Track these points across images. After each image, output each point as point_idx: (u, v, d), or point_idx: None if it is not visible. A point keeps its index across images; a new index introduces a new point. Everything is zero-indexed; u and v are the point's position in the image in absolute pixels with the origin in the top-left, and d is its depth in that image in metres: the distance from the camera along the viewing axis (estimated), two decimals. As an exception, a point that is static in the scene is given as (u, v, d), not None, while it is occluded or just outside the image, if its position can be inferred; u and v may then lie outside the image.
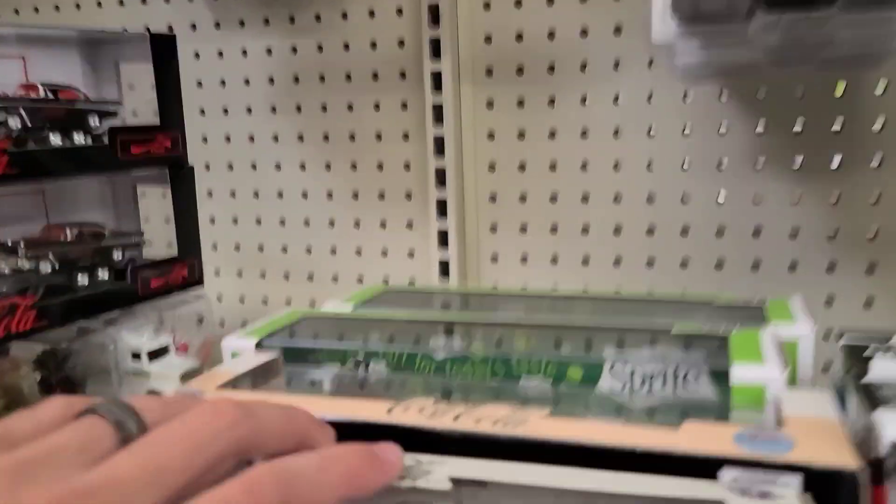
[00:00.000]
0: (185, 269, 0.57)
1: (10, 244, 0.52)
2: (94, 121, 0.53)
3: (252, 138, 0.87)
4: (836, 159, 0.65)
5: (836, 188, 0.65)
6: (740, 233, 0.69)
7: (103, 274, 0.53)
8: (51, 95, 0.51)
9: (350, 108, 0.81)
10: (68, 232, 0.52)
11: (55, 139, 0.50)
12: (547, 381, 0.49)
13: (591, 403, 0.48)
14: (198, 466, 0.22)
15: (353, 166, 0.83)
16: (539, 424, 0.34)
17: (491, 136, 0.76)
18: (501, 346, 0.52)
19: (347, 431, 0.36)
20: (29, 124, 0.49)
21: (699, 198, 0.70)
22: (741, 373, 0.42)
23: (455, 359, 0.50)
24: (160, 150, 0.55)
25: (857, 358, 0.42)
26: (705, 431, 0.33)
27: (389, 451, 0.28)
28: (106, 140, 0.51)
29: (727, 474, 0.30)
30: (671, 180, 0.70)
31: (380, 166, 0.81)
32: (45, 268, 0.51)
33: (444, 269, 0.78)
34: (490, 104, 0.75)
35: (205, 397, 0.37)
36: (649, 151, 0.70)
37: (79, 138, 0.52)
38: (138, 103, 0.79)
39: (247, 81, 0.86)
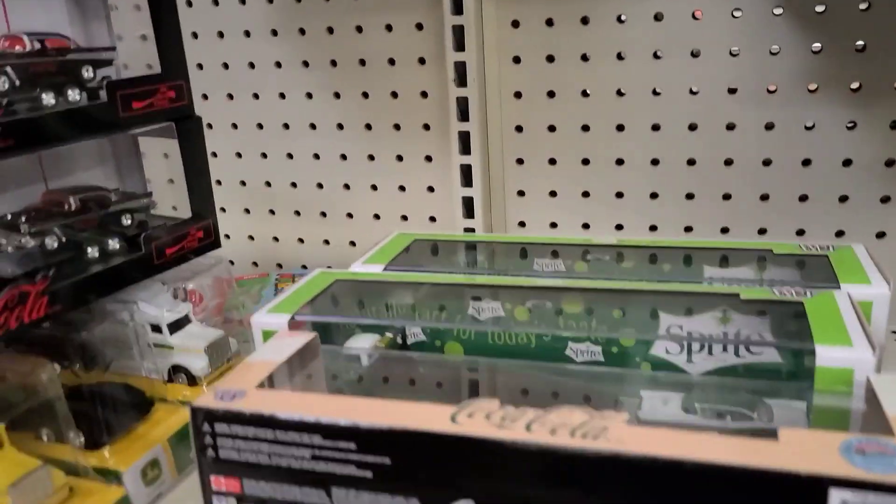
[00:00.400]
0: (200, 232, 0.52)
1: (9, 217, 0.47)
2: (87, 72, 0.47)
3: (252, 65, 0.80)
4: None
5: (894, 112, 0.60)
6: (789, 162, 0.64)
7: (114, 244, 0.48)
8: (38, 46, 0.44)
9: (359, 29, 0.74)
10: (72, 200, 0.47)
11: (48, 98, 0.44)
12: (596, 347, 0.47)
13: (647, 369, 0.45)
14: None
15: (365, 95, 0.76)
16: (621, 434, 0.31)
17: (517, 60, 0.70)
18: (545, 312, 0.49)
19: (411, 442, 0.33)
20: (17, 84, 0.43)
21: (746, 125, 0.64)
22: (827, 354, 0.38)
23: (499, 326, 0.47)
24: (163, 103, 0.49)
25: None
26: (807, 441, 0.29)
27: None
28: (104, 96, 0.45)
29: (836, 496, 0.27)
30: (716, 106, 0.65)
31: (394, 94, 0.75)
32: (51, 243, 0.46)
33: (468, 205, 0.74)
34: (516, 24, 0.69)
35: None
36: (692, 75, 0.65)
37: (73, 95, 0.46)
38: (126, 56, 0.72)
39: (242, 1, 0.78)
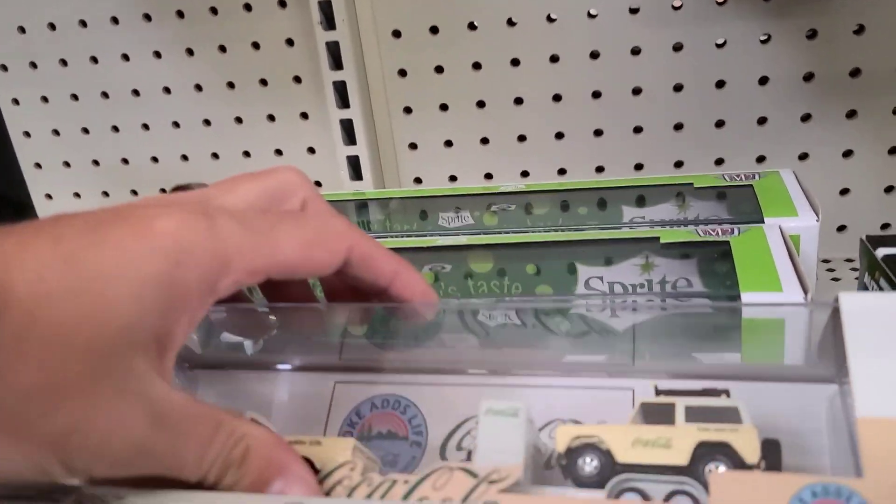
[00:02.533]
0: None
1: None
2: None
3: (84, 23, 0.68)
4: (815, -14, 0.53)
5: (813, 20, 0.54)
6: (701, 86, 0.58)
7: None
8: None
9: (204, -28, 0.63)
10: None
11: None
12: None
13: (564, 325, 0.39)
14: None
15: (222, 48, 0.66)
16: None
17: (390, -9, 0.60)
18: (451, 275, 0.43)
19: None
20: None
21: (652, 48, 0.58)
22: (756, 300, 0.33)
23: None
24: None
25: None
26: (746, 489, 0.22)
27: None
28: None
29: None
30: (618, 30, 0.57)
31: (255, 45, 0.65)
32: None
33: (355, 165, 0.65)
34: (384, -48, 0.59)
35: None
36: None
37: None
38: None
39: (60, -53, 0.65)
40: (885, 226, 0.59)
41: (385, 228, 0.54)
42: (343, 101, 0.63)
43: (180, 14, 0.65)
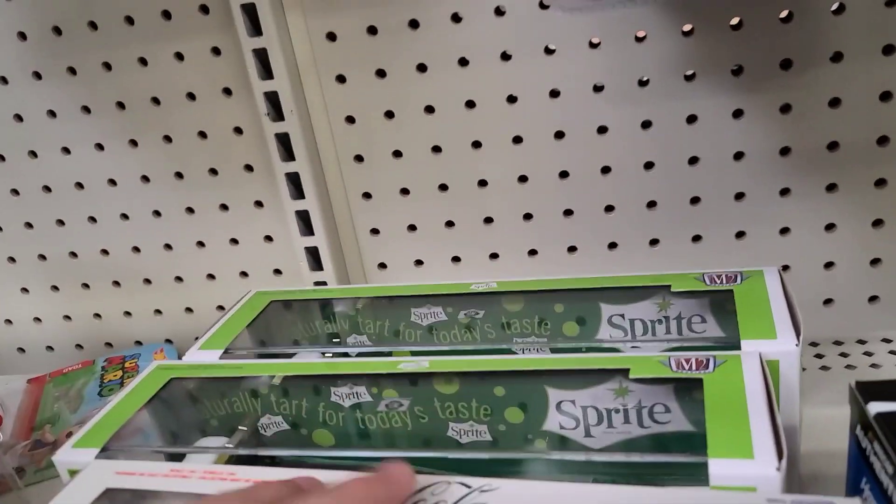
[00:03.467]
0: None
1: None
2: None
3: (19, 117, 0.64)
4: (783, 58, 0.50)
5: (786, 94, 0.51)
6: (673, 162, 0.55)
7: None
8: None
9: (143, 62, 0.60)
10: None
11: None
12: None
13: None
14: None
15: (167, 138, 0.62)
16: None
17: (341, 78, 0.57)
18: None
19: None
20: None
21: (620, 126, 0.55)
22: (720, 471, 0.29)
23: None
24: None
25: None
26: None
27: (399, 470, 0.29)
28: None
29: None
30: (582, 108, 0.54)
31: (202, 134, 0.61)
32: None
33: (315, 255, 0.61)
34: (332, 37, 0.56)
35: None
36: (550, 74, 0.54)
37: None
38: None
39: (-11, 40, 0.61)
40: (872, 298, 0.56)
41: (354, 341, 0.50)
42: (298, 191, 0.59)
43: (121, 105, 0.61)
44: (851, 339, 0.56)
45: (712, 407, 0.33)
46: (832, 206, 0.54)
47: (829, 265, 0.56)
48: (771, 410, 0.32)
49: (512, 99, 0.55)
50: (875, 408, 0.29)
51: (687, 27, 0.51)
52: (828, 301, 0.57)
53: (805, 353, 0.55)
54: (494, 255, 0.61)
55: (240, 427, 0.43)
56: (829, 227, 0.55)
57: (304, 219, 0.60)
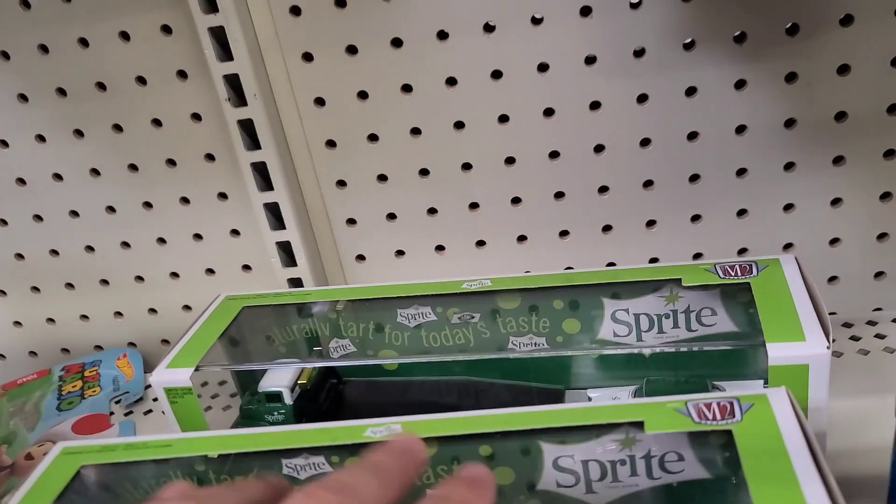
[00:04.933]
0: None
1: None
2: None
3: (-52, 108, 0.57)
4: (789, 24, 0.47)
5: (792, 62, 0.48)
6: (671, 138, 0.51)
7: None
8: None
9: (84, 43, 0.53)
10: None
11: None
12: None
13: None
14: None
15: (117, 127, 0.56)
16: None
17: (308, 57, 0.52)
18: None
19: None
20: None
21: (613, 101, 0.51)
22: None
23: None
24: None
25: None
26: None
27: (413, 442, 0.27)
28: None
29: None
30: (573, 83, 0.50)
31: (156, 122, 0.56)
32: None
33: (287, 250, 0.57)
34: (296, 11, 0.50)
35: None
36: (538, 47, 0.49)
37: None
38: None
39: None
40: (878, 274, 0.53)
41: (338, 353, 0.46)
42: (265, 182, 0.54)
43: (62, 92, 0.55)
44: (861, 320, 0.53)
45: (745, 452, 0.29)
46: (839, 180, 0.51)
47: (834, 241, 0.53)
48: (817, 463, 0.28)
49: (497, 74, 0.51)
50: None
51: (686, -8, 0.47)
52: (832, 279, 0.54)
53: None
54: (481, 243, 0.57)
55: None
56: (836, 201, 0.52)
57: (273, 211, 0.55)
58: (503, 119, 0.52)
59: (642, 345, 0.40)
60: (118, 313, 0.65)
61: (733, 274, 0.41)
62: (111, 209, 0.60)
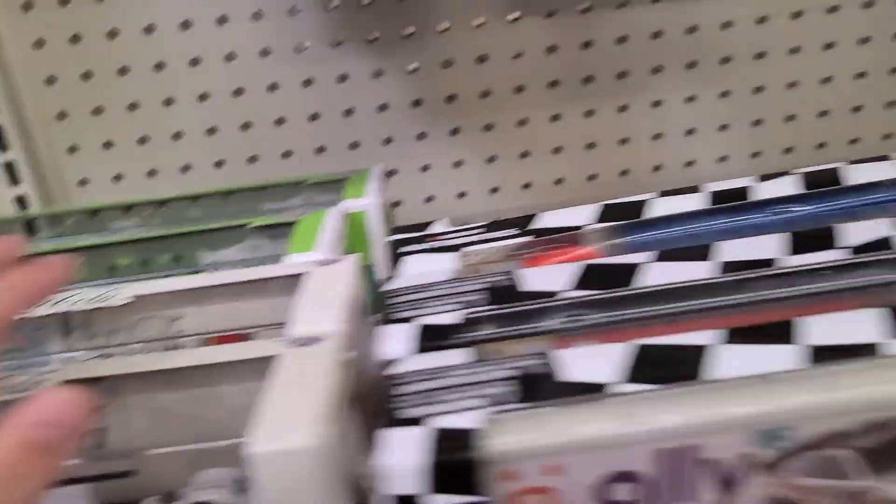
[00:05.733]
0: None
1: None
2: None
3: None
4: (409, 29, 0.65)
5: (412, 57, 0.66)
6: (334, 113, 0.68)
7: None
8: None
9: None
10: None
11: None
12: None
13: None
14: None
15: None
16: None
17: (27, 6, 0.63)
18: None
19: None
20: None
21: (286, 83, 0.67)
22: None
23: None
24: None
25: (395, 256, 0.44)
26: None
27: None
28: None
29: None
30: (255, 68, 0.66)
31: None
32: None
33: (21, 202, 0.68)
34: (27, 6, 0.63)
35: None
36: (226, 41, 0.65)
37: None
38: None
39: None
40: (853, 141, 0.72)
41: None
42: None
43: None
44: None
45: (299, 231, 0.45)
46: (458, 147, 0.69)
47: (461, 195, 0.71)
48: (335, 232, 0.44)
49: (195, 62, 0.66)
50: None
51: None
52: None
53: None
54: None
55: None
56: (458, 163, 0.70)
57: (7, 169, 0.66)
58: (203, 97, 0.67)
59: None
60: None
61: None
62: None
